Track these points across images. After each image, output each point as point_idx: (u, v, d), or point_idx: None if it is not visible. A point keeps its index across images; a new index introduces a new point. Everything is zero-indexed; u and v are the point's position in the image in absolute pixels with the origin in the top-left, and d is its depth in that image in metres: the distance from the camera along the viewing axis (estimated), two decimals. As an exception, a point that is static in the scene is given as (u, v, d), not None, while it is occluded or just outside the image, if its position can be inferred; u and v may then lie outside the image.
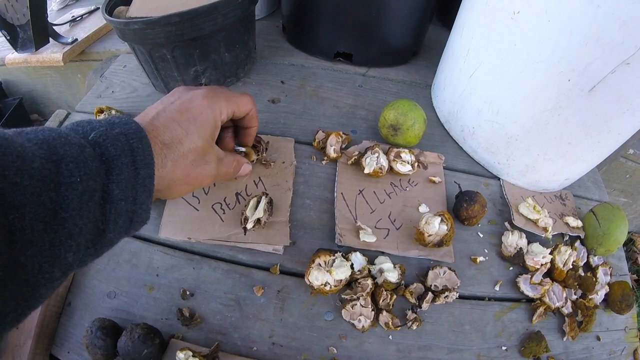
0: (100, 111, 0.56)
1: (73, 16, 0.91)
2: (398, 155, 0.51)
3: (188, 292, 0.43)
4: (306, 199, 0.49)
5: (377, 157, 0.50)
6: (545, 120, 0.46)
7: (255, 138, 0.47)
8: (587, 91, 0.41)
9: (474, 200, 0.47)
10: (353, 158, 0.50)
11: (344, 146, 0.53)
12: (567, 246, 0.48)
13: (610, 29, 0.35)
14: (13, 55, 0.85)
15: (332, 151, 0.51)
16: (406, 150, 0.52)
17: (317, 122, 0.57)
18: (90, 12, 0.95)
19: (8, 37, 0.83)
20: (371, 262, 0.44)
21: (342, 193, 0.49)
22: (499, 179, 0.56)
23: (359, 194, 0.50)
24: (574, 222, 0.52)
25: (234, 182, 0.49)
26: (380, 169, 0.50)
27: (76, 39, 0.82)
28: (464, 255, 0.48)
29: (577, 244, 0.50)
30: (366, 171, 0.49)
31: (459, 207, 0.48)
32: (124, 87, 0.65)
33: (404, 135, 0.52)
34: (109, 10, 0.55)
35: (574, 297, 0.47)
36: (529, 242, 0.49)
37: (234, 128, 0.44)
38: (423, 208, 0.50)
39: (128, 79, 0.66)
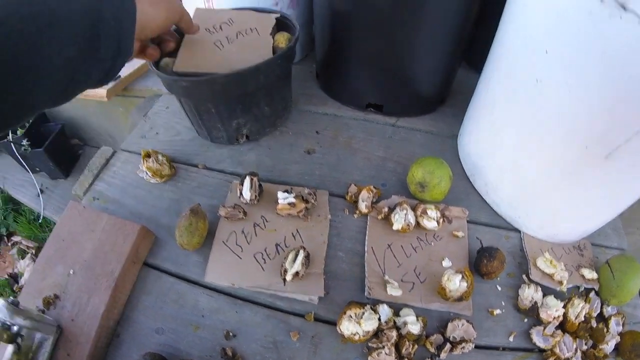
0: (148, 155, 0.67)
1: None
2: (425, 212, 0.60)
3: (231, 333, 0.52)
4: (339, 251, 0.59)
5: (405, 214, 0.59)
6: (565, 182, 0.54)
7: (307, 192, 0.59)
8: (604, 157, 0.47)
9: (493, 257, 0.56)
10: (383, 214, 0.60)
11: (374, 200, 0.63)
12: (581, 298, 0.56)
13: (625, 101, 0.41)
14: None
15: (363, 207, 0.60)
16: (432, 207, 0.61)
17: (350, 174, 0.67)
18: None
19: None
20: (396, 313, 0.53)
21: (372, 247, 0.59)
22: (519, 231, 0.64)
23: (387, 248, 0.59)
24: (590, 274, 0.59)
25: (273, 233, 0.59)
26: (408, 225, 0.59)
27: (119, 76, 0.95)
28: (482, 308, 0.56)
29: (592, 294, 0.58)
30: (395, 227, 0.58)
31: (479, 263, 0.57)
32: (167, 129, 0.77)
33: (431, 192, 0.61)
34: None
35: (585, 347, 0.54)
36: (544, 295, 0.56)
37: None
38: (446, 262, 0.59)
39: (171, 122, 0.78)
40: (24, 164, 1.13)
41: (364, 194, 0.61)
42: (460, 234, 0.61)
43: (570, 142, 0.49)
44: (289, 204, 0.57)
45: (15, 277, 1.14)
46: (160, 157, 0.67)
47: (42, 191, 1.13)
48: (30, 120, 1.13)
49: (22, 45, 0.29)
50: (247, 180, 0.60)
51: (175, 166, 0.69)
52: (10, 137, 1.10)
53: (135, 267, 0.58)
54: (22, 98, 0.32)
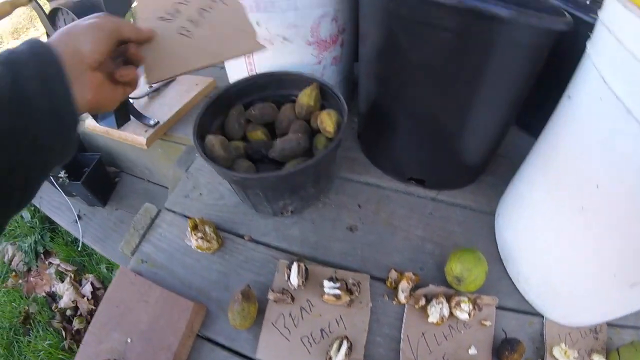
0: (195, 227, 0.72)
1: (150, 86, 1.06)
2: (459, 304, 0.65)
3: None
4: (377, 336, 0.65)
5: (441, 308, 0.64)
6: (590, 292, 0.60)
7: (352, 282, 0.64)
8: (629, 285, 0.53)
9: (514, 350, 0.62)
10: (420, 304, 0.65)
11: (413, 286, 0.67)
12: None
13: None
14: (93, 123, 1.02)
15: (402, 297, 0.66)
16: (466, 300, 0.66)
17: (390, 256, 0.72)
18: (167, 83, 1.09)
19: None
20: None
21: (407, 335, 0.65)
22: (542, 316, 0.69)
23: (421, 336, 0.65)
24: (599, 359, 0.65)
25: (319, 318, 0.65)
26: (442, 318, 0.64)
27: (158, 122, 0.99)
28: None
29: None
30: (430, 320, 0.64)
31: (501, 353, 0.63)
32: (211, 190, 0.82)
33: (467, 286, 0.66)
34: (199, 136, 0.69)
35: None
36: None
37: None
38: (472, 350, 0.65)
39: (214, 182, 0.83)
40: (61, 190, 1.19)
41: (404, 284, 0.66)
42: (488, 323, 0.67)
43: (601, 268, 0.55)
44: (335, 295, 0.63)
45: (53, 296, 1.24)
46: (207, 229, 0.72)
47: (79, 217, 1.20)
48: None
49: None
50: (294, 267, 0.65)
51: (222, 236, 0.74)
52: None
53: (190, 340, 0.65)
54: None
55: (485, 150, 0.78)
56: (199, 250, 0.73)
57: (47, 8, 0.96)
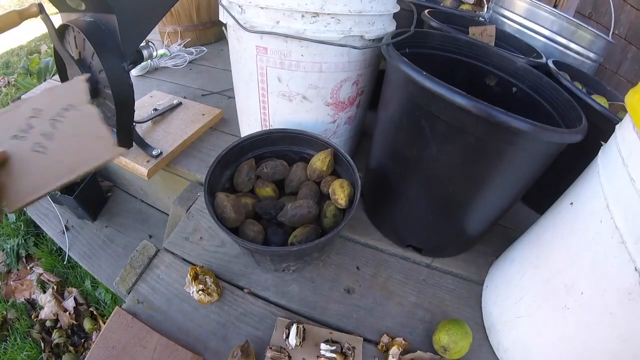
0: (196, 276, 0.75)
1: (155, 109, 1.07)
2: (444, 374, 0.71)
3: None
4: (366, 399, 0.69)
5: (427, 378, 0.69)
6: None
7: (347, 346, 0.68)
8: None
9: None
10: (408, 372, 0.70)
11: (402, 350, 0.72)
12: None
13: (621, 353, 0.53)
14: None
15: (392, 364, 0.70)
16: (451, 371, 0.71)
17: (383, 320, 0.77)
18: (172, 108, 1.10)
19: None
20: None
21: (394, 400, 0.69)
22: None
23: (407, 401, 0.70)
24: None
25: (311, 378, 0.69)
26: (428, 387, 0.69)
27: (161, 153, 1.00)
28: None
29: None
30: (416, 388, 0.69)
31: None
32: (212, 236, 0.85)
33: (452, 355, 0.72)
34: (210, 192, 0.72)
35: None
36: None
37: None
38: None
39: (216, 227, 0.86)
40: (49, 198, 1.17)
41: (394, 350, 0.71)
42: (466, 391, 0.72)
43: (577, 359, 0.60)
44: (330, 359, 0.66)
45: (33, 304, 1.22)
46: (208, 280, 0.75)
47: (67, 228, 1.19)
48: None
49: None
50: (294, 328, 0.69)
51: (221, 286, 0.77)
52: None
53: (187, 391, 0.67)
54: None
55: (486, 226, 0.83)
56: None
57: (58, 21, 0.95)
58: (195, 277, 0.76)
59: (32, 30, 2.95)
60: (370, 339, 0.75)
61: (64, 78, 1.08)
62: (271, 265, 0.76)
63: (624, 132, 0.53)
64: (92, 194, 1.23)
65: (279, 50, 0.78)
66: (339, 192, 0.72)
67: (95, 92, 1.00)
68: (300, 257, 0.73)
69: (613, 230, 0.49)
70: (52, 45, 2.61)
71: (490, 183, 0.68)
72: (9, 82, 2.03)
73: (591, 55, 1.21)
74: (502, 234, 0.94)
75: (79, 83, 0.60)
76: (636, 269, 0.45)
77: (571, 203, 0.64)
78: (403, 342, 0.73)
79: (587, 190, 0.60)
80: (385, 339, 0.74)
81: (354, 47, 0.75)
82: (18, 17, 0.90)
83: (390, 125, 0.76)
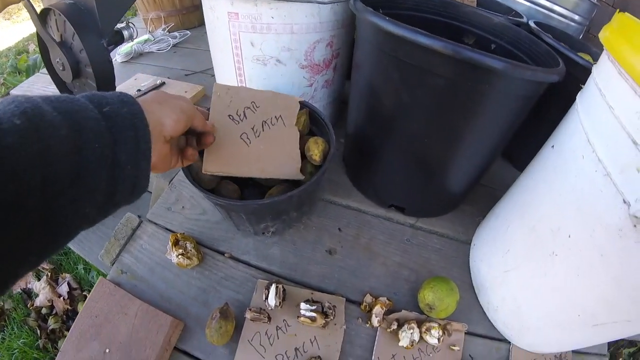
0: (177, 242, 0.75)
1: (139, 90, 1.09)
2: (429, 330, 0.71)
3: None
4: (350, 357, 0.69)
5: (412, 333, 0.69)
6: (556, 327, 0.65)
7: (327, 305, 0.68)
8: (592, 325, 0.59)
9: None
10: (392, 329, 0.70)
11: (386, 310, 0.72)
12: None
13: (619, 301, 0.52)
14: None
15: (375, 321, 0.71)
16: (436, 326, 0.71)
17: (367, 280, 0.76)
18: (156, 88, 1.12)
19: None
20: None
21: (378, 357, 0.70)
22: (509, 343, 0.75)
23: (392, 357, 0.70)
24: None
25: (293, 337, 0.69)
26: (412, 343, 0.69)
27: None
28: None
29: None
30: (401, 344, 0.69)
31: None
32: (193, 205, 0.85)
33: (438, 314, 0.71)
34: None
35: None
36: None
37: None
38: (440, 375, 0.70)
39: (197, 196, 0.87)
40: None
41: (378, 308, 0.71)
42: (456, 348, 0.72)
43: (567, 308, 0.60)
44: (310, 318, 0.67)
45: (29, 293, 1.24)
46: (188, 245, 0.76)
47: (59, 214, 1.20)
48: None
49: (40, 206, 0.30)
50: (273, 288, 0.69)
51: (202, 252, 0.77)
52: None
53: (167, 354, 0.69)
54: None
55: (468, 182, 0.83)
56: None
57: (39, 6, 0.97)
58: (176, 243, 0.76)
59: (20, 32, 3.00)
60: (353, 300, 0.75)
61: (47, 62, 1.10)
62: (250, 227, 0.77)
63: (600, 67, 0.52)
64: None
65: (249, 14, 0.78)
66: (313, 148, 0.72)
67: (77, 73, 1.02)
68: (277, 214, 0.73)
69: (596, 163, 0.48)
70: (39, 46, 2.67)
71: (465, 131, 0.67)
72: (-2, 82, 2.07)
73: (576, 17, 1.19)
74: (489, 195, 0.94)
75: (295, 103, 0.72)
76: (624, 201, 0.43)
77: (552, 146, 0.63)
78: (387, 301, 0.73)
79: (567, 130, 0.59)
80: (368, 298, 0.74)
81: (321, 3, 0.75)
82: (1, 4, 0.93)
83: (363, 84, 0.76)
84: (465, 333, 0.74)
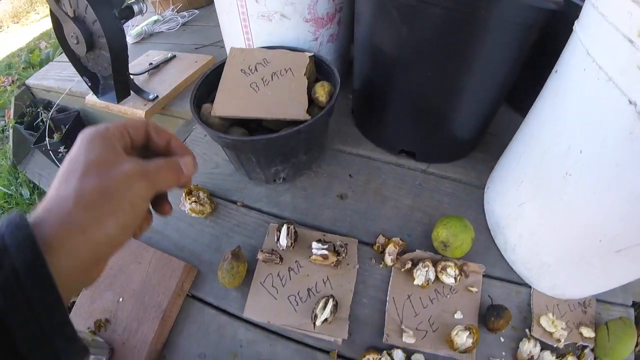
0: (190, 192, 0.76)
1: (151, 64, 1.11)
2: (445, 269, 0.69)
3: None
4: (363, 297, 0.68)
5: (427, 272, 0.68)
6: (576, 260, 0.62)
7: (339, 244, 0.68)
8: (614, 252, 0.56)
9: (500, 316, 0.65)
10: (406, 268, 0.69)
11: (400, 250, 0.71)
12: (575, 355, 0.65)
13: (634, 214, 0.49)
14: (94, 98, 1.06)
15: (389, 260, 0.69)
16: (452, 265, 0.69)
17: (379, 223, 0.75)
18: (167, 61, 1.13)
19: (89, 84, 1.02)
20: (409, 357, 0.64)
21: (393, 297, 0.68)
22: (530, 287, 0.72)
23: (407, 298, 0.69)
24: (588, 333, 0.68)
25: (306, 278, 0.69)
26: (428, 282, 0.68)
27: (157, 96, 1.03)
28: (484, 356, 0.65)
29: (587, 350, 0.67)
30: (416, 282, 0.67)
31: (487, 319, 0.66)
32: (206, 160, 0.86)
33: (453, 252, 0.69)
34: (196, 105, 0.73)
35: None
36: (542, 349, 0.65)
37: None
38: (458, 315, 0.68)
39: (209, 152, 0.87)
40: (59, 165, 1.22)
41: (391, 247, 0.70)
42: (474, 289, 0.70)
43: (587, 235, 0.57)
44: (322, 256, 0.66)
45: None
46: (201, 194, 0.76)
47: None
48: (67, 126, 1.21)
49: None
50: (284, 228, 0.69)
51: (215, 201, 0.78)
52: (47, 143, 1.19)
53: (180, 299, 0.69)
54: None
55: (476, 126, 0.81)
56: (193, 214, 0.76)
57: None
58: (189, 193, 0.77)
59: (29, 33, 3.09)
60: (365, 242, 0.73)
61: (60, 38, 1.13)
62: (261, 173, 0.76)
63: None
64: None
65: (253, -29, 0.79)
66: (319, 90, 0.71)
67: (91, 44, 1.05)
68: (286, 156, 0.73)
69: (597, 71, 0.47)
70: (50, 42, 2.73)
71: (468, 66, 0.66)
72: (12, 80, 2.13)
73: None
74: (500, 143, 0.88)
75: (305, 57, 0.76)
76: (630, 102, 0.42)
77: (556, 71, 0.61)
78: (400, 242, 0.72)
79: (567, 53, 0.57)
80: (381, 239, 0.73)
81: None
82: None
83: (365, 34, 0.75)
84: (482, 276, 0.73)
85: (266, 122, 0.73)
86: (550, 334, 0.67)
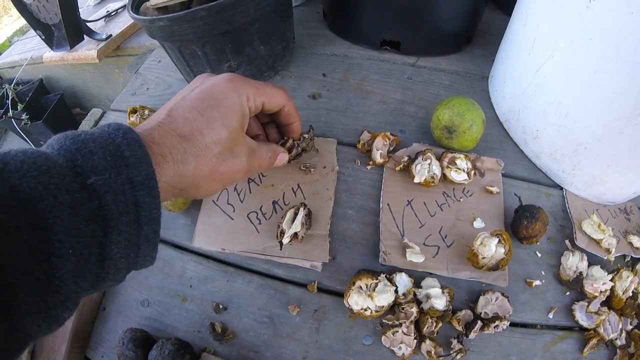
0: (134, 111, 0.54)
1: (108, 11, 0.92)
2: (452, 162, 0.46)
3: (221, 306, 0.42)
4: (348, 209, 0.46)
5: (429, 165, 0.45)
6: (619, 128, 0.40)
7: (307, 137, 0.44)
8: None
9: (535, 218, 0.42)
10: (402, 164, 0.46)
11: (391, 149, 0.49)
12: (629, 270, 0.43)
13: None
14: (50, 54, 0.90)
15: (378, 156, 0.47)
16: (462, 156, 0.47)
17: (362, 120, 0.53)
18: (124, 7, 0.94)
19: (43, 37, 0.87)
20: (417, 283, 0.41)
21: (388, 204, 0.46)
22: (561, 188, 0.50)
23: (407, 205, 0.46)
24: (639, 242, 0.46)
25: (270, 189, 0.46)
26: (432, 177, 0.45)
27: (110, 35, 0.85)
28: (519, 278, 0.43)
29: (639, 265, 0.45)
30: (416, 180, 0.45)
31: (518, 225, 0.43)
32: (158, 83, 0.65)
33: (460, 139, 0.47)
34: (136, 7, 0.53)
35: (630, 327, 0.42)
36: (589, 265, 0.44)
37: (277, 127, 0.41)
38: (478, 223, 0.46)
39: (162, 75, 0.66)
40: (27, 139, 1.04)
41: (379, 141, 0.47)
42: (495, 189, 0.47)
43: (631, 78, 0.36)
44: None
45: None
46: (147, 112, 0.54)
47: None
48: (30, 95, 1.03)
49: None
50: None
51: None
52: (10, 112, 1.00)
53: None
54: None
55: (463, 16, 0.60)
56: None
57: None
58: (133, 112, 0.55)
59: (4, 34, 2.98)
60: (346, 142, 0.51)
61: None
62: (210, 71, 0.54)
63: None
64: (62, 118, 1.07)
65: None
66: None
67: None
68: (240, 47, 0.51)
69: None
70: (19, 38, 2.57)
71: None
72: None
73: None
74: (495, 41, 0.65)
75: None
76: None
77: None
78: (391, 136, 0.49)
79: None
80: (365, 136, 0.50)
81: None
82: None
83: None
84: (502, 175, 0.50)
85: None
86: (598, 242, 0.45)
